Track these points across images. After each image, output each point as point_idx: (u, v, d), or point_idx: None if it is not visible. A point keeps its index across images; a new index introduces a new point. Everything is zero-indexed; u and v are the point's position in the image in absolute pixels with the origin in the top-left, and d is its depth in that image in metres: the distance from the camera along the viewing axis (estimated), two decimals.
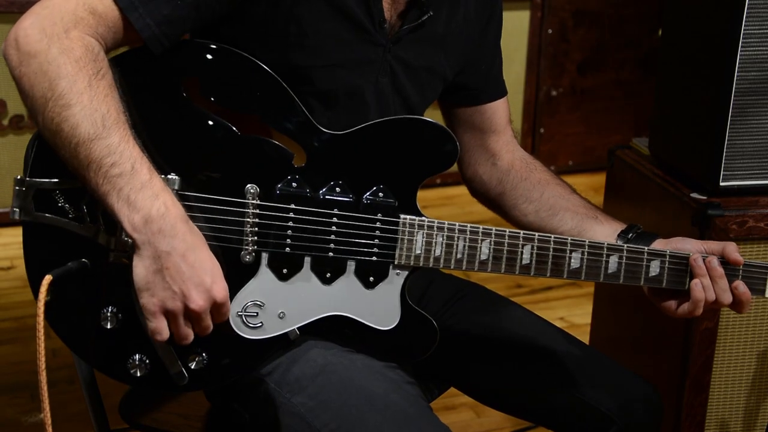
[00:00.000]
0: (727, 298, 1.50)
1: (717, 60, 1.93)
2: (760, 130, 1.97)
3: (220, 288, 1.29)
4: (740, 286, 1.50)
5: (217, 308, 1.31)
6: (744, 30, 1.88)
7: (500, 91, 1.76)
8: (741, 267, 1.52)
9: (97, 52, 1.32)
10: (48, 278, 1.35)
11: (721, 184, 1.98)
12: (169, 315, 1.29)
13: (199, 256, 1.28)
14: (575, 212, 1.64)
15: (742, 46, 1.89)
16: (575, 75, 4.65)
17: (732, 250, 1.51)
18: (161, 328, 1.29)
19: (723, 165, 1.97)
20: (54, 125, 1.29)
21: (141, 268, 1.27)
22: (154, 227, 1.26)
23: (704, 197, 2.00)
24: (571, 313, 3.34)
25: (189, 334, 1.31)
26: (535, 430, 2.17)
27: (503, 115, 1.76)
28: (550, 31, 4.50)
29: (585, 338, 2.32)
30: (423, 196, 1.45)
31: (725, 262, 1.51)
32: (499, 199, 1.74)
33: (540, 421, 1.74)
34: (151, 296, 1.27)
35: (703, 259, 1.50)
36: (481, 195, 1.78)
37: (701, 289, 1.49)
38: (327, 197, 1.43)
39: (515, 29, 4.43)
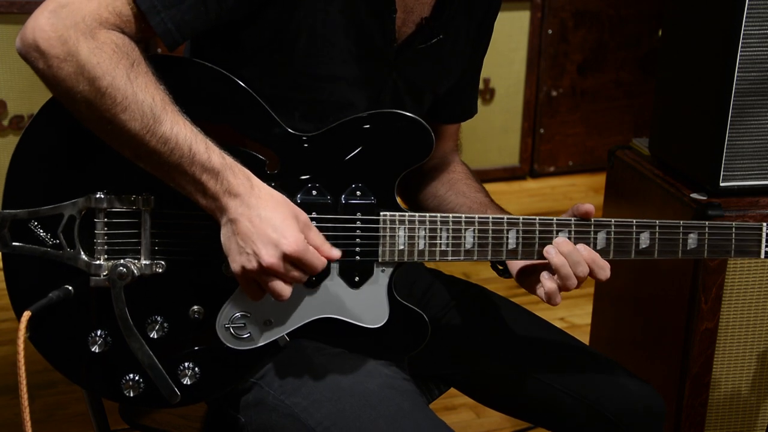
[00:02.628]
0: (583, 270, 1.45)
1: (717, 60, 1.93)
2: (760, 130, 1.97)
3: (287, 241, 1.30)
4: (551, 248, 1.44)
5: (296, 260, 1.32)
6: (744, 30, 1.88)
7: (470, 113, 1.77)
8: (733, 229, 1.49)
9: (126, 44, 1.30)
10: (27, 314, 1.37)
11: (721, 184, 1.98)
12: (252, 275, 1.32)
13: (265, 215, 1.31)
14: (469, 207, 1.67)
15: (742, 47, 1.89)
16: (575, 75, 4.65)
17: (579, 206, 1.48)
18: (251, 290, 1.35)
19: (723, 165, 1.97)
20: (103, 125, 1.30)
21: (222, 236, 1.34)
22: (222, 201, 1.32)
23: (704, 197, 2.00)
24: (571, 313, 3.33)
25: (281, 289, 1.33)
26: (535, 430, 2.17)
27: (456, 127, 1.78)
28: (550, 31, 4.50)
29: (585, 338, 2.32)
30: None
31: (583, 220, 1.46)
32: (410, 193, 1.77)
33: (540, 421, 1.74)
34: (232, 261, 1.33)
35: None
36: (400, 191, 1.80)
37: (549, 278, 1.45)
38: (304, 201, 1.42)
39: (515, 29, 4.43)
